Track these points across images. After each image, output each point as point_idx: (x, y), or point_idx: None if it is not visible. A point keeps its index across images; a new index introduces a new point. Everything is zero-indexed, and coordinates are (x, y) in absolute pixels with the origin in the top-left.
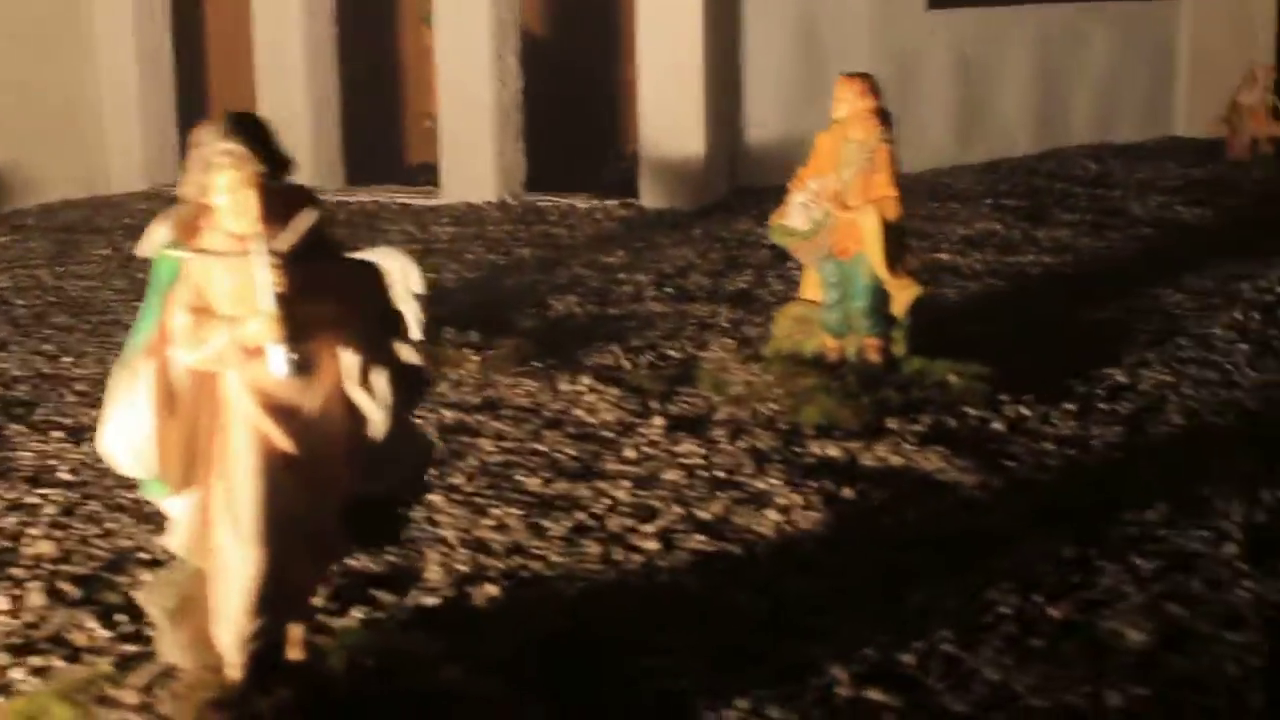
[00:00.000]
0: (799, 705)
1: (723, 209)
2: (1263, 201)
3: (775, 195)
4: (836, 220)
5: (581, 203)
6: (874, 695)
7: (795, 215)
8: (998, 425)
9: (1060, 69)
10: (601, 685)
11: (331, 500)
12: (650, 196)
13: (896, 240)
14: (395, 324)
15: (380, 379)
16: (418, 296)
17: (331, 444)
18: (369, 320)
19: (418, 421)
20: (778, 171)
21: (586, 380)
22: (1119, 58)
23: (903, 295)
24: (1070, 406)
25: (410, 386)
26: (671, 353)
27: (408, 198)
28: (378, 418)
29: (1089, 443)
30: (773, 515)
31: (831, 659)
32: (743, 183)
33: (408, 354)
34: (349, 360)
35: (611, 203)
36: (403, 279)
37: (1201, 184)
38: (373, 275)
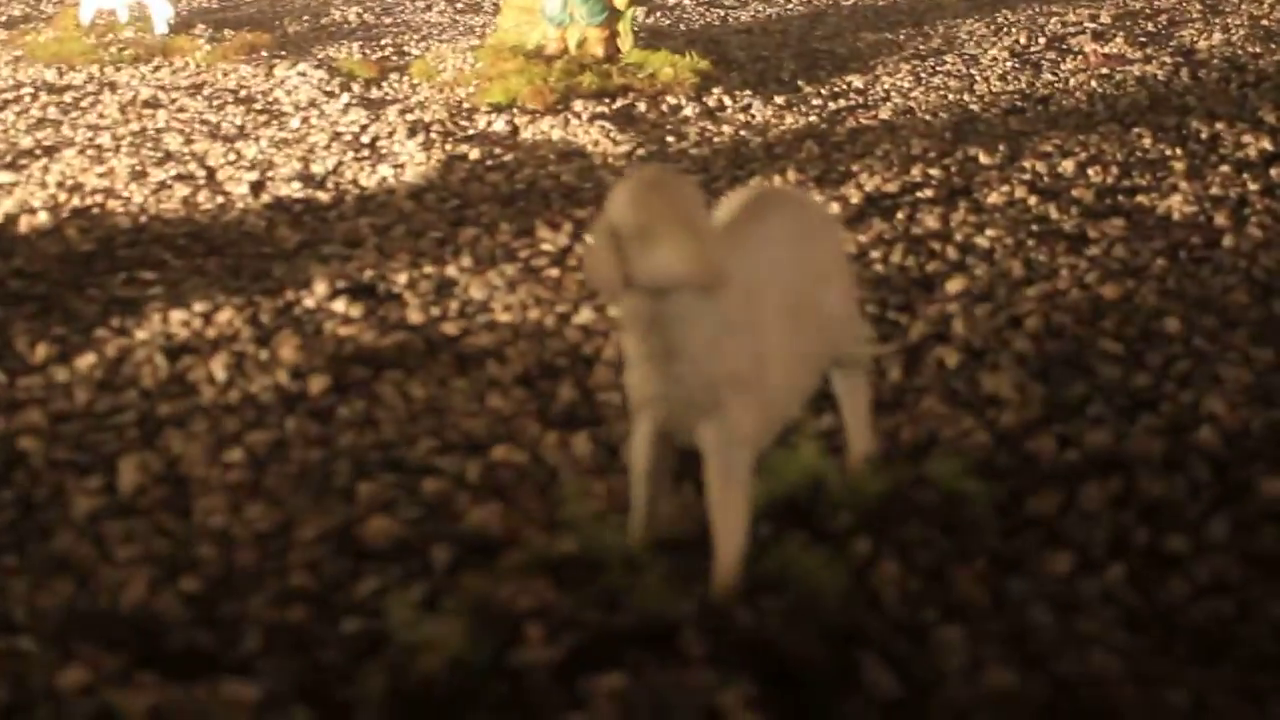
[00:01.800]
0: (266, 316)
1: None
2: None
3: None
4: None
5: None
6: (338, 306)
7: None
8: (689, 112)
9: None
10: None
11: None
12: None
13: None
14: None
15: None
16: None
17: None
18: None
19: None
20: None
21: (304, 67)
22: None
23: None
24: (781, 101)
25: None
26: (413, 50)
27: None
28: None
29: (772, 129)
30: (384, 170)
31: (324, 278)
32: None
33: None
34: None
35: None
36: None
37: None
38: None
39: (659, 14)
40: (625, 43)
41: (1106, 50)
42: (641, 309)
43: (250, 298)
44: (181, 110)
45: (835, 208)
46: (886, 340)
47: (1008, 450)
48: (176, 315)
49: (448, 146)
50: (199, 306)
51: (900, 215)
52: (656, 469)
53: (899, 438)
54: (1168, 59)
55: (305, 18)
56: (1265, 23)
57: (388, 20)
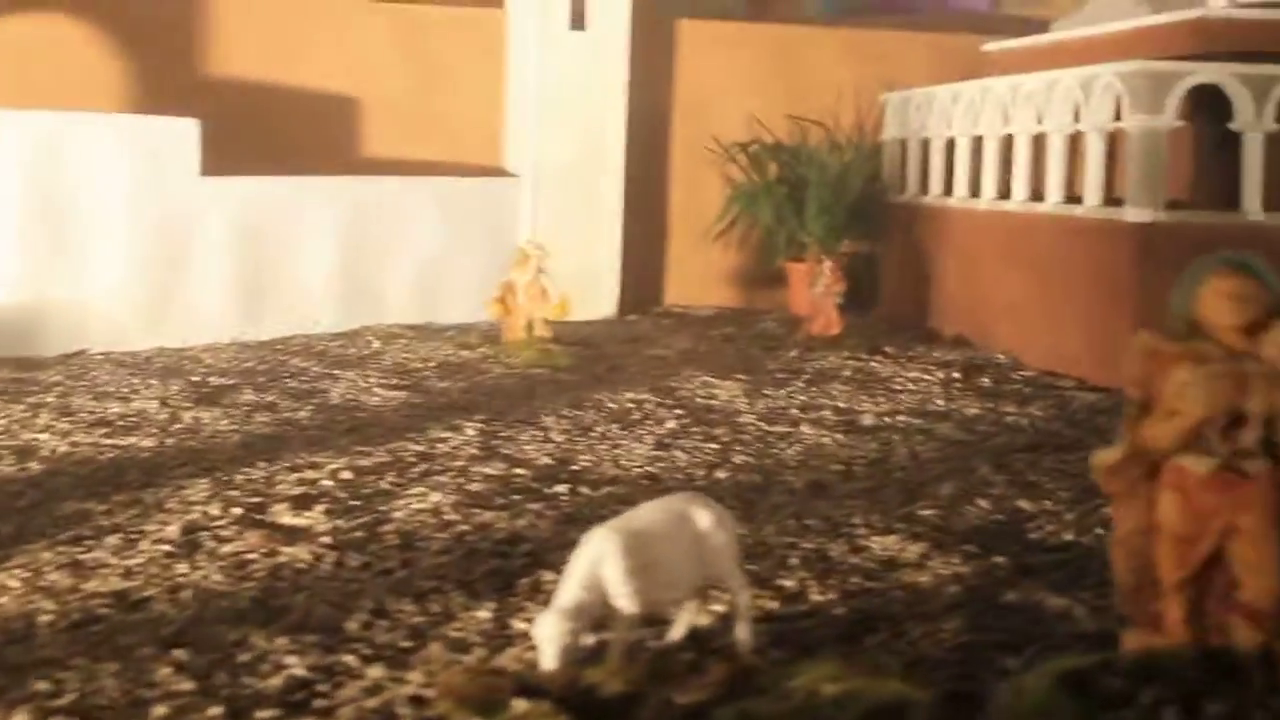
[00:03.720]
0: None
1: None
2: (478, 389)
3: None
4: None
5: None
6: None
7: None
8: None
9: (375, 244)
10: None
11: None
12: None
13: None
14: None
15: None
16: None
17: None
18: None
19: None
20: (12, 341)
21: None
22: (449, 235)
23: None
24: None
25: None
26: None
27: None
28: None
29: None
30: None
31: None
32: None
33: None
34: None
35: None
36: None
37: (446, 366)
38: None
39: None
40: None
41: (273, 528)
42: None
43: None
44: None
45: None
46: None
47: None
48: None
49: None
50: None
51: None
52: None
53: None
54: (330, 541)
55: None
56: (473, 487)
57: None
